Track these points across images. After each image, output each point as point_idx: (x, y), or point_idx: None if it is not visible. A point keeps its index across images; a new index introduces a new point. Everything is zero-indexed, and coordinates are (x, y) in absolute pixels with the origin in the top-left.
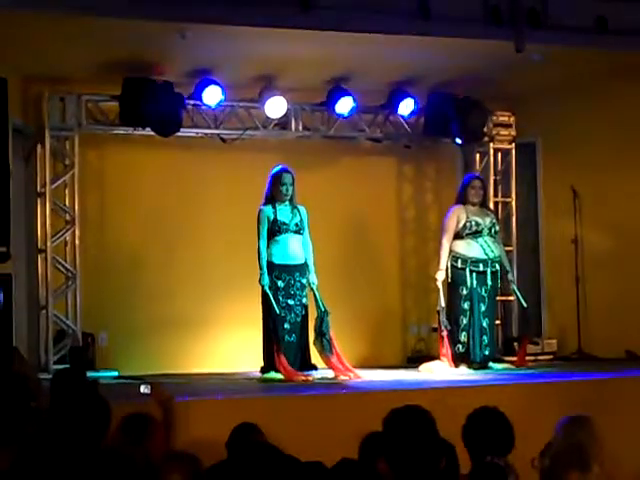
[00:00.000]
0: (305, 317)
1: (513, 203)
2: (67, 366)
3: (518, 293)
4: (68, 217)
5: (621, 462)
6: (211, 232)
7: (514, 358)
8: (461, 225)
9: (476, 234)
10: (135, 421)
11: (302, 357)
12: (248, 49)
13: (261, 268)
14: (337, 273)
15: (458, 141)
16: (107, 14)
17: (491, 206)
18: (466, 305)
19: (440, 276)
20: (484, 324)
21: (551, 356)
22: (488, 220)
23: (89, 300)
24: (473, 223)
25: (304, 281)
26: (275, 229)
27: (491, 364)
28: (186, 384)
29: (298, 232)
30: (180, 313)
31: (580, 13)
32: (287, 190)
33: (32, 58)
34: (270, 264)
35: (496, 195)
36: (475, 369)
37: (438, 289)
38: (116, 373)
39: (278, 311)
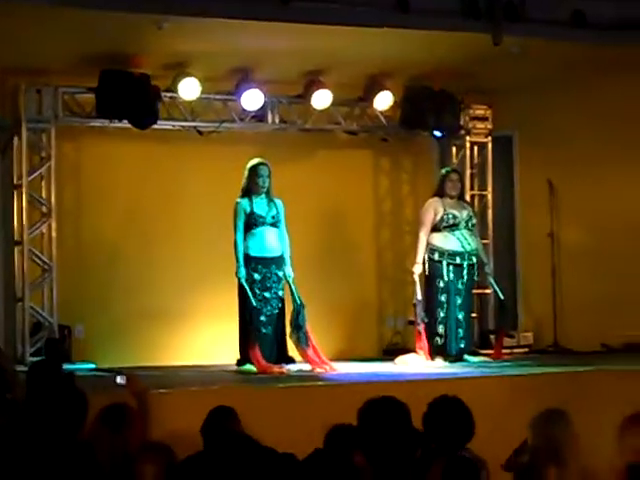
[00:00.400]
0: (282, 310)
1: (489, 196)
2: (43, 358)
3: (495, 286)
4: (45, 209)
5: (598, 455)
6: (188, 225)
7: (490, 351)
8: (438, 218)
9: (453, 227)
10: (114, 412)
11: (279, 350)
12: (225, 41)
13: (238, 261)
14: (313, 266)
15: (437, 134)
16: (85, 6)
17: (467, 199)
18: (443, 298)
19: (417, 269)
20: (460, 317)
21: (527, 349)
22: (465, 213)
23: (65, 292)
24: (450, 216)
25: (280, 274)
26: (252, 222)
27: (467, 357)
28: (162, 376)
29: (275, 225)
30: (157, 306)
31: (558, 7)
32: (264, 183)
33: (9, 50)
34: (247, 257)
35: (472, 188)
36: (451, 362)
37: (415, 282)
38: (93, 365)
39: (255, 303)
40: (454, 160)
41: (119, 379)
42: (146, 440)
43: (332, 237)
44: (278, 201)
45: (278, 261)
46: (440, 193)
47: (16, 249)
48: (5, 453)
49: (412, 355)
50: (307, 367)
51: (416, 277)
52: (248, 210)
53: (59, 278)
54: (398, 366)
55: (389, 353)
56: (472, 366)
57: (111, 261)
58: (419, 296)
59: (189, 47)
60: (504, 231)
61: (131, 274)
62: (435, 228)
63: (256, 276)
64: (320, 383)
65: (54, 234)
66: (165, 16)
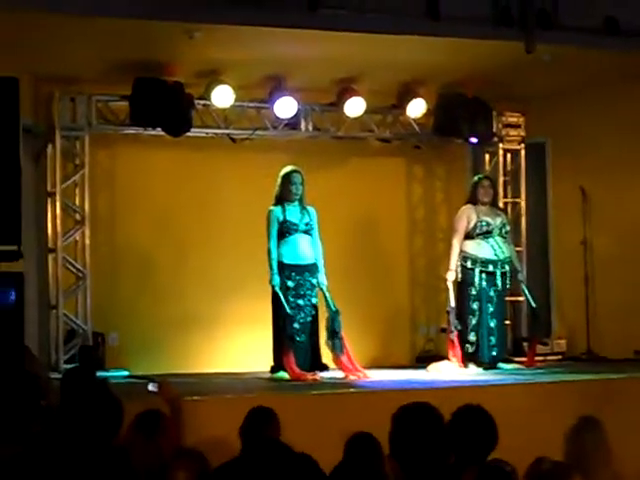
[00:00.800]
0: (315, 317)
1: (522, 204)
2: (77, 365)
3: (527, 293)
4: (78, 217)
5: (629, 462)
6: (221, 232)
7: (524, 359)
8: (472, 225)
9: (487, 234)
10: (148, 418)
11: (312, 357)
12: (257, 49)
13: (271, 268)
14: (346, 273)
15: (472, 141)
16: (116, 15)
17: (501, 206)
18: (475, 305)
19: (450, 276)
20: (492, 324)
21: (560, 356)
22: (499, 220)
23: (99, 300)
24: (484, 223)
25: (314, 281)
26: (285, 229)
27: (500, 364)
28: (195, 383)
29: (307, 232)
30: (190, 313)
31: (591, 14)
32: (297, 190)
33: (43, 58)
34: (280, 264)
35: (505, 196)
36: (484, 369)
37: (448, 289)
38: (126, 372)
39: (288, 311)
40: (487, 167)
41: (151, 386)
42: (179, 446)
43: (365, 245)
44: (311, 209)
45: (311, 268)
46: (473, 200)
47: (50, 257)
48: (40, 460)
49: (445, 362)
50: (340, 374)
51: (449, 284)
52: (281, 218)
53: (93, 285)
54: (430, 373)
55: (422, 360)
56: (504, 374)
57: (144, 268)
58: (452, 303)
59: (221, 55)
60: (537, 238)
61: (164, 281)
62: (468, 235)
63: (290, 283)
64: (353, 390)
65: (87, 241)
66: (196, 25)
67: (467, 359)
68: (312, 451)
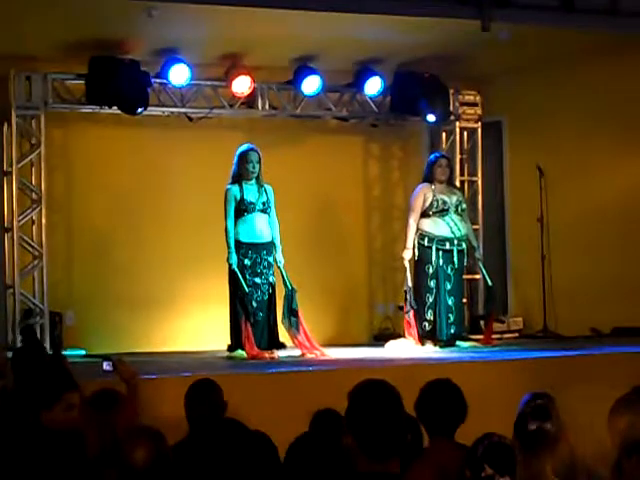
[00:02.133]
0: (272, 295)
1: (479, 182)
2: (21, 346)
3: (484, 271)
4: (35, 196)
5: (584, 438)
6: (178, 211)
7: (481, 336)
8: (428, 203)
9: (443, 212)
10: (102, 397)
11: (269, 335)
12: (215, 28)
13: (229, 247)
14: (303, 252)
15: (431, 118)
16: None
17: (457, 185)
18: (432, 283)
19: (407, 255)
20: (450, 302)
21: (517, 334)
22: (455, 198)
23: (56, 279)
24: (440, 201)
25: (271, 259)
26: (242, 208)
27: (458, 342)
28: (152, 362)
29: (265, 211)
30: (147, 292)
31: None
32: (254, 168)
33: None
34: (237, 242)
35: (462, 174)
36: (441, 347)
37: (405, 268)
38: (83, 352)
39: (245, 289)
40: (444, 146)
41: (105, 365)
42: (136, 425)
43: (322, 223)
44: (268, 187)
45: (268, 247)
46: (429, 179)
47: (6, 236)
48: None
49: (402, 340)
50: (298, 352)
51: (406, 263)
52: (238, 196)
53: (49, 265)
54: (388, 351)
55: (379, 339)
56: (462, 351)
57: (101, 247)
58: (409, 282)
59: (179, 33)
60: (494, 216)
61: (121, 260)
62: (425, 214)
63: (246, 262)
64: (310, 369)
65: (44, 221)
66: (153, 2)
67: (424, 337)
68: (269, 430)
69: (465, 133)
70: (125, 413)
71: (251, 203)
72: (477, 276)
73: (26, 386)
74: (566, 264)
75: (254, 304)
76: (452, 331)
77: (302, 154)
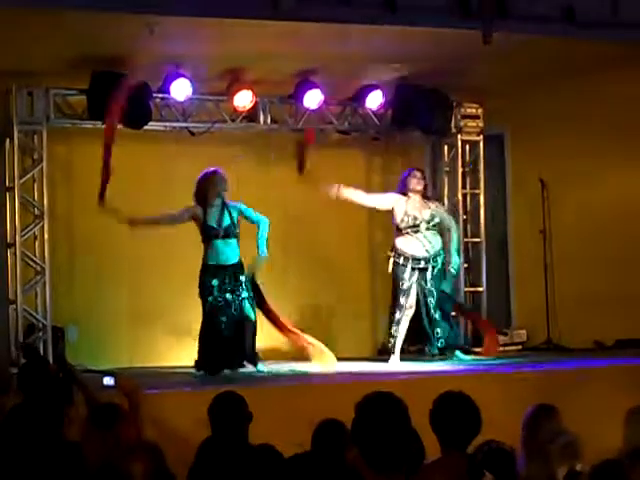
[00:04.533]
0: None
1: (481, 195)
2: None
3: (450, 283)
4: (37, 211)
5: (587, 451)
6: (180, 226)
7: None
8: (398, 218)
9: (414, 228)
10: (103, 411)
11: (240, 352)
12: (216, 43)
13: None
14: (305, 265)
15: (427, 133)
16: (76, 7)
17: (459, 198)
18: (402, 300)
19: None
20: (437, 316)
21: (520, 346)
22: (427, 213)
23: (58, 294)
24: (410, 217)
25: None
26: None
27: (459, 354)
28: (155, 377)
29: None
30: (150, 307)
31: (548, 3)
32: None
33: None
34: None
35: (464, 187)
36: (427, 361)
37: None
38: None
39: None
40: (446, 159)
41: (106, 380)
42: (135, 440)
43: (324, 237)
44: (233, 207)
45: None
46: (404, 192)
47: (9, 251)
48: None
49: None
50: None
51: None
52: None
53: (52, 280)
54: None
55: (383, 353)
56: (462, 364)
57: (103, 262)
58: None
59: (180, 48)
60: (497, 229)
61: (123, 275)
62: (397, 229)
63: (214, 282)
64: (316, 382)
65: (46, 236)
66: (156, 17)
67: (388, 352)
68: (276, 442)
69: (467, 146)
70: (126, 428)
71: (214, 229)
72: (480, 288)
73: (36, 402)
74: (569, 276)
75: (223, 319)
76: (440, 345)
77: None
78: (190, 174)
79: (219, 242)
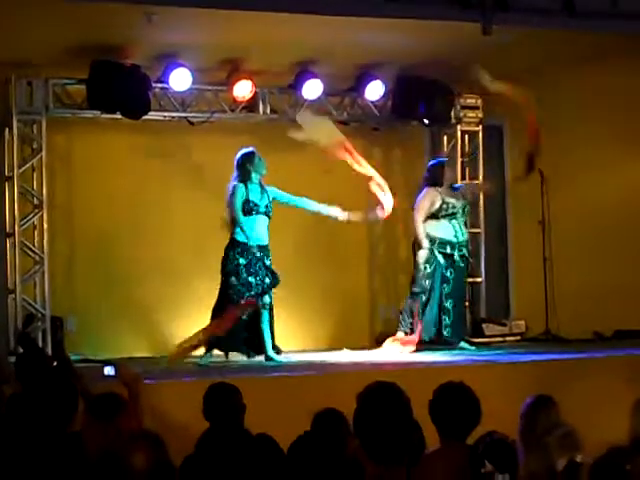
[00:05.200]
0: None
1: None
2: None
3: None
4: (36, 201)
5: (585, 442)
6: (180, 215)
7: (483, 339)
8: (436, 206)
9: (451, 216)
10: (103, 401)
11: (253, 338)
12: (215, 32)
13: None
14: (305, 255)
15: (426, 122)
16: None
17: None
18: (427, 283)
19: (422, 254)
20: (447, 305)
21: (519, 337)
22: (461, 202)
23: (57, 284)
24: (450, 205)
25: (268, 262)
26: (245, 208)
27: (463, 344)
28: (155, 367)
29: (267, 214)
30: (149, 297)
31: None
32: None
33: None
34: (233, 241)
35: (464, 177)
36: (433, 349)
37: (421, 270)
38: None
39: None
40: (445, 149)
41: (107, 370)
42: (136, 430)
43: (324, 227)
44: (270, 189)
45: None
46: (436, 182)
47: (8, 241)
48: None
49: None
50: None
51: (421, 265)
52: (245, 196)
53: (51, 270)
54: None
55: (381, 342)
56: (464, 354)
57: (102, 252)
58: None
59: (179, 38)
60: (495, 220)
61: (123, 265)
62: (433, 216)
63: (242, 260)
64: (314, 372)
65: (45, 226)
66: (154, 7)
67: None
68: (274, 432)
69: (466, 137)
70: (126, 418)
71: (256, 205)
72: (479, 279)
73: (34, 391)
74: (568, 267)
75: (243, 302)
76: (445, 333)
77: (303, 158)
78: (190, 164)
79: (257, 217)
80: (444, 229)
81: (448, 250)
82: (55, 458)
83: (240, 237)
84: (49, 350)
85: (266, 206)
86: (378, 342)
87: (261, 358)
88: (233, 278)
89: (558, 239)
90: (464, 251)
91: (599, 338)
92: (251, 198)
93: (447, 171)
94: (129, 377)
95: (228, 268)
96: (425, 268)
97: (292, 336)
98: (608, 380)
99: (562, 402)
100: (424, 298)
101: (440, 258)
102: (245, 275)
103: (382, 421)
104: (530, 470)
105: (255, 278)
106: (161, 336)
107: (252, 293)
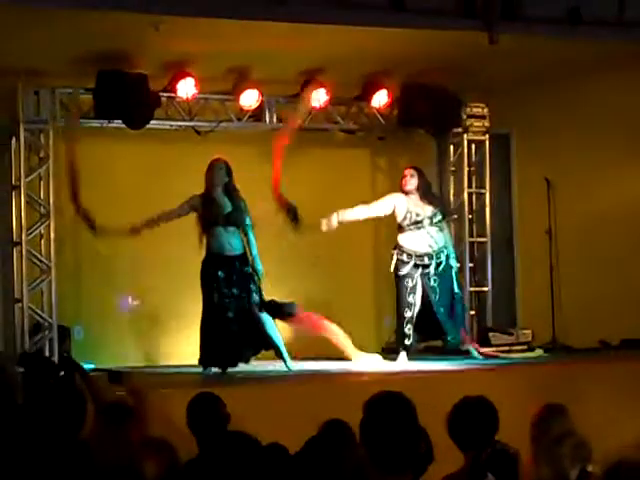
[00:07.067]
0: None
1: (487, 194)
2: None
3: (454, 278)
4: (43, 210)
5: (595, 449)
6: (186, 224)
7: (489, 349)
8: (401, 216)
9: (417, 224)
10: (114, 409)
11: (251, 342)
12: (222, 41)
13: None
14: (310, 264)
15: (432, 131)
16: (82, 6)
17: (465, 197)
18: (411, 298)
19: (325, 223)
20: (443, 312)
21: (525, 346)
22: (430, 209)
23: (64, 293)
24: (413, 214)
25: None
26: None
27: (473, 351)
28: (161, 376)
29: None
30: (156, 306)
31: (553, 4)
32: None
33: (6, 51)
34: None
35: (470, 186)
36: (440, 359)
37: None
38: (92, 366)
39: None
40: (452, 158)
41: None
42: (147, 437)
43: (329, 236)
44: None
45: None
46: (404, 191)
47: (15, 250)
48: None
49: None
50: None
51: (323, 227)
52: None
53: (58, 279)
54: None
55: (388, 351)
56: (474, 363)
57: (109, 261)
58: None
59: (186, 47)
60: (502, 228)
61: (129, 274)
62: (400, 227)
63: (220, 274)
64: (320, 380)
65: (52, 235)
66: (161, 16)
67: (403, 350)
68: (283, 441)
69: (473, 145)
70: (136, 426)
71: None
72: (485, 288)
73: (42, 402)
74: (574, 276)
75: (230, 314)
76: (450, 339)
77: (310, 167)
78: (196, 173)
79: (219, 229)
80: (416, 241)
81: (426, 261)
82: (64, 467)
83: (213, 250)
84: (56, 358)
85: (227, 215)
86: (385, 352)
87: (266, 364)
88: (216, 295)
89: (564, 248)
90: (442, 257)
91: (606, 347)
92: (210, 210)
93: (404, 177)
94: (136, 387)
95: (208, 283)
96: (408, 283)
97: (298, 345)
98: (615, 389)
99: (569, 410)
100: (408, 314)
101: (420, 270)
102: (226, 289)
103: (388, 431)
104: (542, 479)
105: (238, 289)
106: (166, 345)
107: (240, 304)
